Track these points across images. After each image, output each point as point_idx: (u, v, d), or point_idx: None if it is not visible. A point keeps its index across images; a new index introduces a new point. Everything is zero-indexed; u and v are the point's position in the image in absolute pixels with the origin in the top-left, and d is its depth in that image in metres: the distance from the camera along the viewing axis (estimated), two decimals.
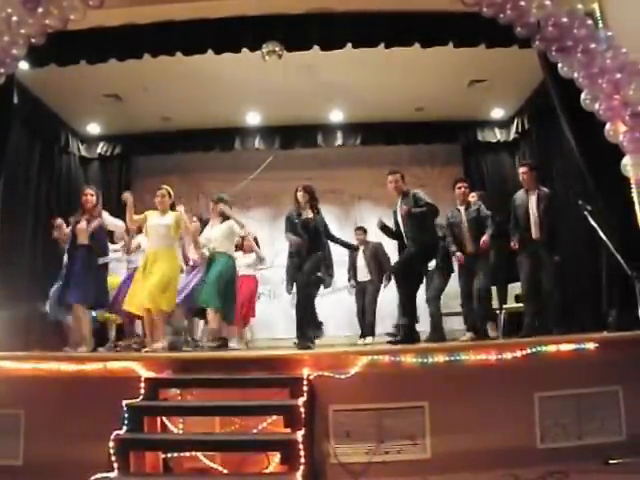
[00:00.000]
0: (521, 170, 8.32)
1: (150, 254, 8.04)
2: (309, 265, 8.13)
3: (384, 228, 8.24)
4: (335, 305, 11.22)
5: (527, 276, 8.06)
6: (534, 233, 7.98)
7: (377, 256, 10.26)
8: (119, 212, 8.47)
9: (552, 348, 6.21)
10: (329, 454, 5.83)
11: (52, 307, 8.80)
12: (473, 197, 8.92)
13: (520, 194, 8.29)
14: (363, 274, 10.33)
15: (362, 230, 10.57)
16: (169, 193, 8.30)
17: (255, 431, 5.57)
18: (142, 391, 5.84)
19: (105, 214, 8.39)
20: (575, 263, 9.13)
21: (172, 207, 8.29)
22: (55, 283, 8.83)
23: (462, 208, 8.48)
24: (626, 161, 5.95)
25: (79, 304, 7.92)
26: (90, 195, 8.26)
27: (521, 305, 8.66)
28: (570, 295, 8.70)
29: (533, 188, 8.14)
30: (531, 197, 8.11)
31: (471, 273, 8.25)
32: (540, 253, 7.92)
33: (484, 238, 8.10)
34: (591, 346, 6.19)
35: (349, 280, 10.53)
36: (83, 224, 8.10)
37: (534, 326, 7.84)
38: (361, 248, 10.38)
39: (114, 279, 8.99)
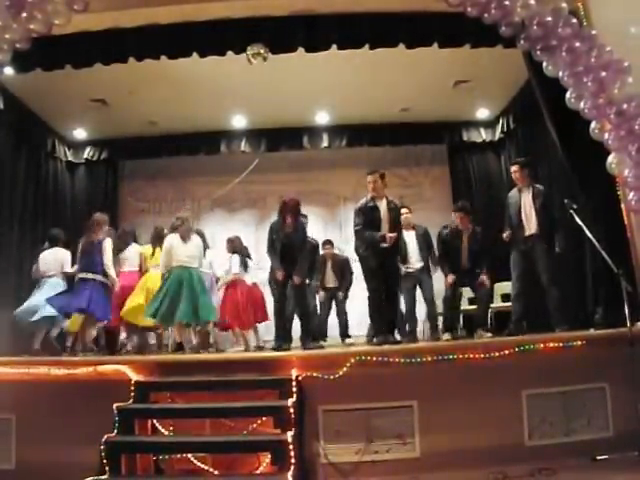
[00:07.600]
0: (512, 169, 8.38)
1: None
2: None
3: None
4: None
5: (521, 274, 8.01)
6: (528, 229, 7.96)
7: (343, 269, 10.66)
8: None
9: (539, 346, 6.23)
10: (319, 454, 5.87)
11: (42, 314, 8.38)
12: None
13: (513, 193, 8.29)
14: (331, 281, 10.66)
15: (330, 244, 10.82)
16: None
17: (245, 432, 5.61)
18: (133, 394, 5.87)
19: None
20: (561, 261, 9.17)
21: None
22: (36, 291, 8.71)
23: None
24: (611, 159, 5.97)
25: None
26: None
27: (509, 304, 8.50)
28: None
29: (526, 185, 8.15)
30: (525, 194, 8.10)
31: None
32: (537, 249, 7.89)
33: None
34: (578, 344, 6.23)
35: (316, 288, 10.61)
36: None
37: (521, 326, 7.86)
38: (329, 262, 10.72)
39: None
